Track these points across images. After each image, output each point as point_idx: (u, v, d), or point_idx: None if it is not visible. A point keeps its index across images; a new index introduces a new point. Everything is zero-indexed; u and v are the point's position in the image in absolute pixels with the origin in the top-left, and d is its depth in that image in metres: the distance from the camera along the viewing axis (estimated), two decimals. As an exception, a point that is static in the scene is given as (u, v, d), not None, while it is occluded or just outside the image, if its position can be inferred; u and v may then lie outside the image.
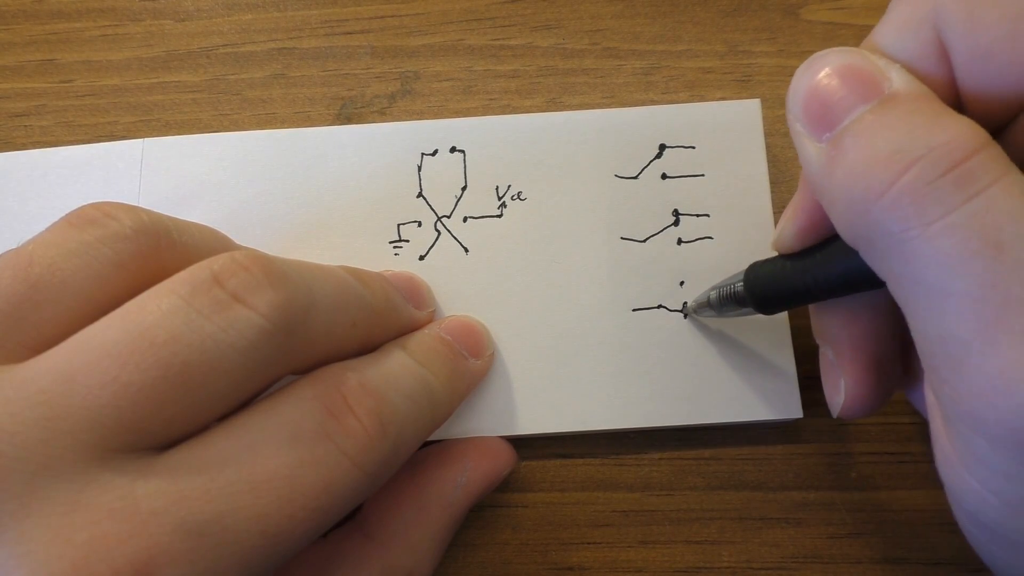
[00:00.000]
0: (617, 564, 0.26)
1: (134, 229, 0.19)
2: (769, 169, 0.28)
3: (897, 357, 0.22)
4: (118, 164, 0.29)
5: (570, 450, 0.27)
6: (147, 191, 0.28)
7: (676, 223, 0.27)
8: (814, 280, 0.20)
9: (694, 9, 0.32)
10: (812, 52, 0.30)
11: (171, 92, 0.32)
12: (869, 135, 0.16)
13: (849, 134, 0.16)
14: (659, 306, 0.27)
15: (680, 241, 0.27)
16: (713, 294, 0.25)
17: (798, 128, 0.18)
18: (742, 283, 0.23)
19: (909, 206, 0.15)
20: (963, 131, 0.15)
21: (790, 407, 0.26)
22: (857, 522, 0.26)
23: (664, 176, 0.28)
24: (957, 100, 0.17)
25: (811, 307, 0.23)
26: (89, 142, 0.30)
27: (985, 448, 0.15)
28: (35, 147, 0.30)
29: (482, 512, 0.27)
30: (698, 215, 0.27)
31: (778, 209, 0.28)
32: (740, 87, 0.31)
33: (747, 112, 0.28)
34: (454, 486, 0.24)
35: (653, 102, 0.30)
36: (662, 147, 0.28)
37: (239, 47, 0.32)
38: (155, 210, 0.20)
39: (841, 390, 0.22)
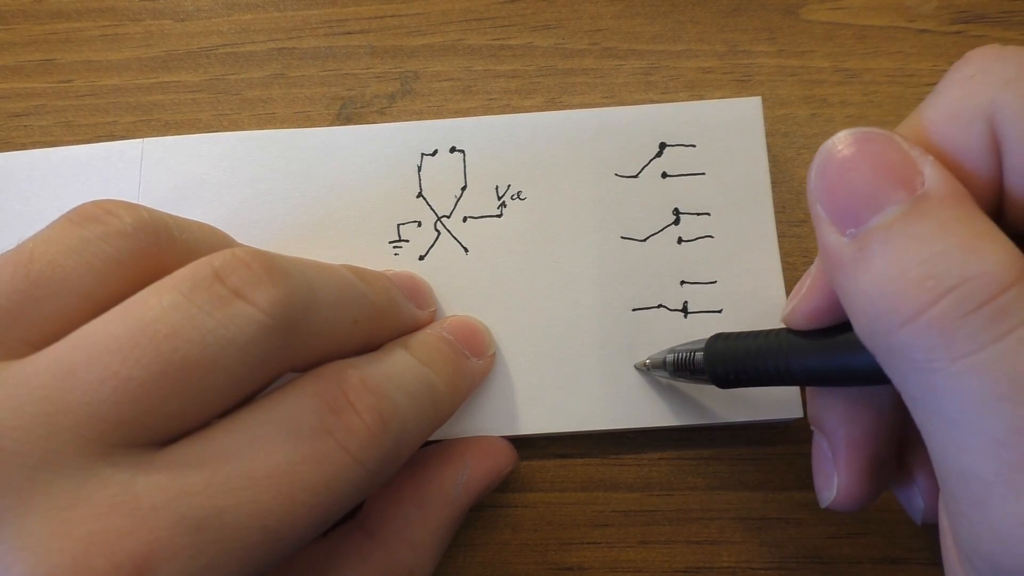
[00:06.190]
0: (617, 564, 0.26)
1: (135, 226, 0.19)
2: (770, 168, 0.28)
3: (894, 456, 0.21)
4: (118, 164, 0.29)
5: (570, 450, 0.27)
6: (147, 191, 0.28)
7: (676, 222, 0.27)
8: (820, 367, 0.19)
9: (694, 9, 0.32)
10: (812, 52, 0.31)
11: (171, 92, 0.32)
12: (899, 246, 0.15)
13: (878, 239, 0.15)
14: (659, 306, 0.27)
15: (680, 240, 0.27)
16: (669, 357, 0.24)
17: (819, 212, 0.16)
18: (701, 352, 0.22)
19: (937, 337, 0.14)
20: (1000, 261, 0.14)
21: (790, 407, 0.25)
22: (857, 522, 0.26)
23: (664, 175, 0.28)
24: (999, 199, 0.17)
25: (809, 392, 0.22)
26: (89, 142, 0.30)
27: None
28: (35, 147, 0.30)
29: (482, 512, 0.27)
30: (698, 214, 0.27)
31: (779, 208, 0.28)
32: (740, 87, 0.31)
33: (748, 110, 0.28)
34: (455, 484, 0.24)
35: (653, 102, 0.30)
36: (662, 146, 0.28)
37: (239, 47, 0.32)
38: None
39: (833, 485, 0.21)
